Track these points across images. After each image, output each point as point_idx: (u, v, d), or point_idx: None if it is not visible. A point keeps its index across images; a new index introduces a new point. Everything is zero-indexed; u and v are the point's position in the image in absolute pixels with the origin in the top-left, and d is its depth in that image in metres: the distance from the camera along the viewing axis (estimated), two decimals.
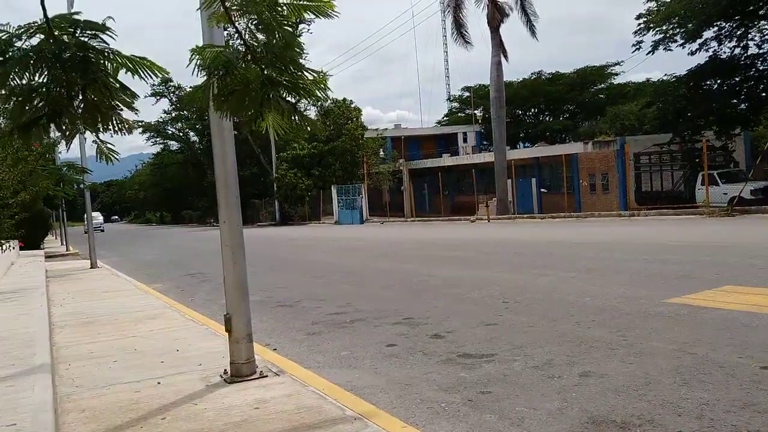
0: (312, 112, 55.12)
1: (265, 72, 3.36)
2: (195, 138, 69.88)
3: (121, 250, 30.65)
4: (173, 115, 68.52)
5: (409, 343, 6.40)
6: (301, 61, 3.54)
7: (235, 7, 3.31)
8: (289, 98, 3.52)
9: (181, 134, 71.68)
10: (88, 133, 3.75)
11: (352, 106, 49.06)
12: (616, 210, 27.44)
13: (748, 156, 27.79)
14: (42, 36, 3.07)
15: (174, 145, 74.28)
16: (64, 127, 3.35)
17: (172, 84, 64.23)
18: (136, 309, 9.62)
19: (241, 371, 5.22)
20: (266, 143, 50.57)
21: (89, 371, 5.86)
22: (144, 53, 3.39)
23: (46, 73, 3.12)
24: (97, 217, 65.00)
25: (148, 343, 7.00)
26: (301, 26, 37.41)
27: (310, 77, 3.52)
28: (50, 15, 3.10)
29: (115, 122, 3.45)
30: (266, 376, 5.24)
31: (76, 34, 3.14)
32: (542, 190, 35.70)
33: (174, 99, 65.82)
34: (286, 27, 3.36)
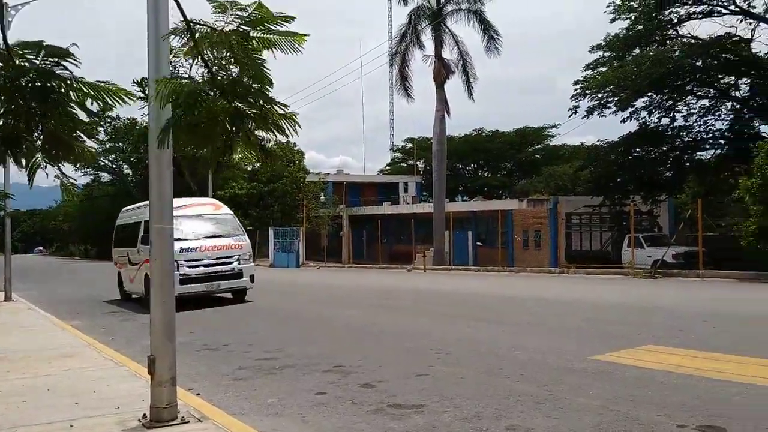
0: None
1: (234, 105, 3.32)
2: (128, 171, 68.16)
3: (40, 283, 29.26)
4: (107, 146, 66.75)
5: (339, 391, 6.31)
6: (270, 94, 3.50)
7: (207, 41, 3.29)
8: (258, 132, 3.48)
9: (114, 166, 69.83)
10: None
11: (296, 148, 49.10)
12: (547, 266, 28.12)
13: (671, 222, 29.15)
14: None
15: (105, 176, 72.21)
16: (22, 159, 3.22)
17: (108, 114, 62.90)
18: (51, 346, 9.17)
19: (161, 416, 5.01)
20: (204, 180, 49.79)
21: None
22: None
23: (3, 101, 3.01)
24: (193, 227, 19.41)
25: (62, 382, 6.67)
26: None
27: (280, 111, 3.49)
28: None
29: (79, 153, 3.34)
30: (188, 422, 5.06)
31: (37, 62, 3.04)
32: (478, 243, 36.30)
33: (110, 129, 64.19)
34: (256, 60, 3.34)
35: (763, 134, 24.56)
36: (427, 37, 34.25)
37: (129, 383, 6.55)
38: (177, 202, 16.32)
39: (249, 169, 49.63)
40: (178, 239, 14.49)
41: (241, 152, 3.61)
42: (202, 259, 14.81)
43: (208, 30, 3.31)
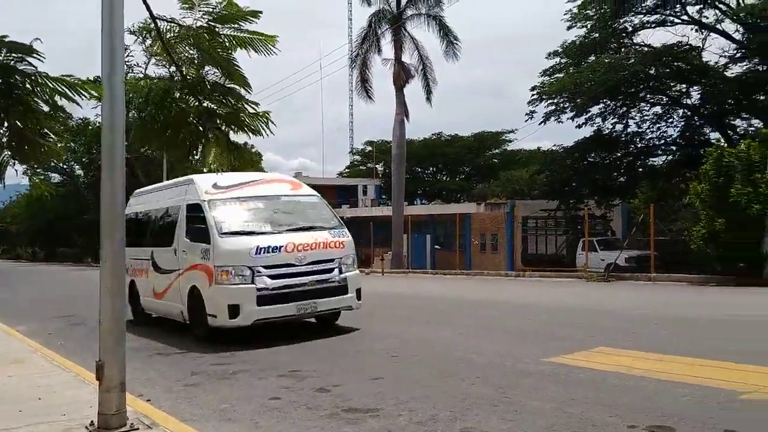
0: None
1: (204, 104, 3.25)
2: (80, 171, 66.47)
3: None
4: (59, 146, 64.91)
5: (294, 396, 6.24)
6: (243, 93, 3.39)
7: (175, 38, 3.20)
8: (229, 132, 3.40)
9: (65, 167, 67.99)
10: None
11: (253, 150, 48.58)
12: (504, 269, 28.39)
13: (624, 226, 29.76)
14: None
15: (56, 177, 70.23)
16: None
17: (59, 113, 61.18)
18: None
19: (109, 423, 4.87)
20: (158, 181, 48.82)
21: None
22: None
23: None
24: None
25: (6, 389, 6.44)
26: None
27: (252, 110, 3.40)
28: None
29: (45, 151, 3.21)
30: (137, 428, 4.93)
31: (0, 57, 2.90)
32: (436, 246, 36.48)
33: (61, 129, 62.43)
34: (227, 58, 3.26)
35: (713, 141, 25.33)
36: (387, 41, 34.37)
37: (76, 389, 6.36)
38: (237, 177, 10.53)
39: (205, 170, 48.83)
40: (251, 233, 9.68)
41: (212, 154, 3.51)
42: (290, 264, 9.54)
43: (176, 27, 3.22)
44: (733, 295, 14.37)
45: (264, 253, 9.39)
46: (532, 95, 28.02)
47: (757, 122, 24.18)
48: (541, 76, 28.41)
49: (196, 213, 10.08)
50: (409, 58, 34.08)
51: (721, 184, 16.39)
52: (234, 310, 9.12)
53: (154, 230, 12.05)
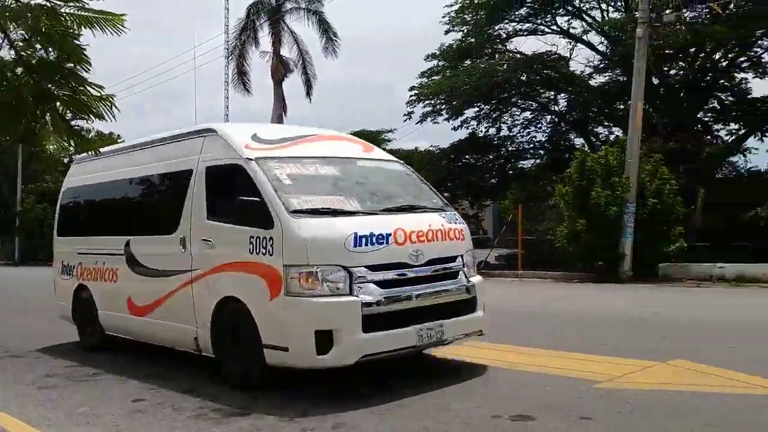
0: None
1: (40, 85, 2.98)
2: None
3: None
4: None
5: (159, 398, 5.95)
6: (85, 75, 3.20)
7: (8, 14, 2.92)
8: (69, 115, 3.16)
9: None
10: None
11: (120, 141, 46.05)
12: None
13: (495, 225, 31.17)
14: None
15: None
16: None
17: None
18: None
19: None
20: (12, 172, 44.98)
21: None
22: None
23: None
24: None
25: None
26: None
27: (95, 93, 3.20)
28: None
29: None
30: None
31: None
32: None
33: None
34: (69, 38, 3.04)
35: (577, 146, 27.04)
36: (265, 34, 33.66)
37: None
38: (282, 129, 8.20)
39: (66, 160, 45.63)
40: (341, 213, 6.00)
41: (50, 139, 3.26)
42: (403, 264, 5.95)
43: (12, 2, 2.96)
44: (594, 292, 15.30)
45: (366, 244, 5.79)
46: (411, 96, 28.58)
47: (617, 130, 26.03)
48: (420, 77, 29.06)
49: (232, 179, 6.32)
50: (288, 52, 33.65)
51: (584, 187, 17.44)
52: (325, 340, 5.52)
53: (133, 209, 8.08)
